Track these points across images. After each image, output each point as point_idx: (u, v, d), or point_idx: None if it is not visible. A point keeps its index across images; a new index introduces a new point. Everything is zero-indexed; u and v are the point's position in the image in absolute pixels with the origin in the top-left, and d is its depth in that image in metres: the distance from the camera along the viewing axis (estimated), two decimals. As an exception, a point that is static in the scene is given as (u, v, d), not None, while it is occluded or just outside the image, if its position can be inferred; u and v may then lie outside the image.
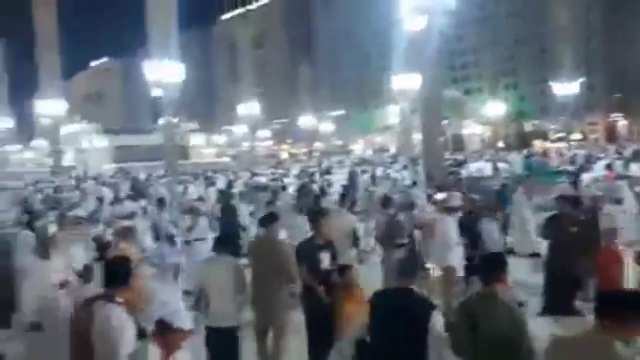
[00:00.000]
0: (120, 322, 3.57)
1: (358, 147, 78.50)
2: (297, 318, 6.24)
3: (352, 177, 21.44)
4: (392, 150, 57.08)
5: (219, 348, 5.52)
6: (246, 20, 66.28)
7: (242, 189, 18.44)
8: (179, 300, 5.35)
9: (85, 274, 5.63)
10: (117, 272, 3.89)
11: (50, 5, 44.96)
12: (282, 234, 7.71)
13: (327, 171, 25.96)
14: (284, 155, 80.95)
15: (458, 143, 57.25)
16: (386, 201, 9.36)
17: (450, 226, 7.99)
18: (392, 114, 59.33)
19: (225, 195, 14.42)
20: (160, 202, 12.73)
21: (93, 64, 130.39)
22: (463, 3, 43.12)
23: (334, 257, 6.05)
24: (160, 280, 5.62)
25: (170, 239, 7.71)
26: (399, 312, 3.83)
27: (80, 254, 6.56)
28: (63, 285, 5.10)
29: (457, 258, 7.80)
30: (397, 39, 36.35)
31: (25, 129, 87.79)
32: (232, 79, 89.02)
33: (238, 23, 68.64)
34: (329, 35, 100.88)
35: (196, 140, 67.34)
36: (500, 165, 23.19)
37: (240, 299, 5.76)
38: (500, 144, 62.03)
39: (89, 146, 55.72)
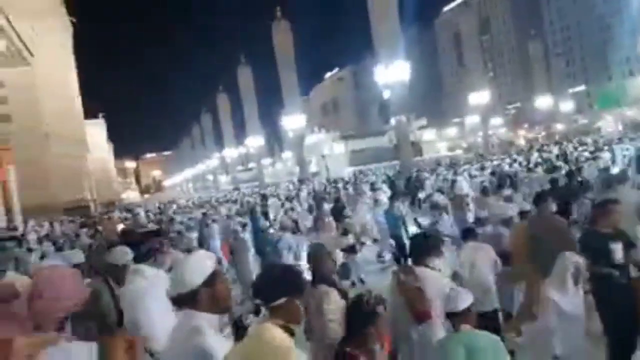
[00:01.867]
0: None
1: (606, 125, 70.04)
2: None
3: (613, 153, 19.45)
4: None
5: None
6: (469, 7, 64.30)
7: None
8: None
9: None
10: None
11: (286, 30, 49.56)
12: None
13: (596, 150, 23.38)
14: (520, 141, 76.34)
15: None
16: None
17: None
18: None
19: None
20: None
21: (327, 75, 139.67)
22: None
23: (627, 248, 5.06)
24: None
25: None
26: None
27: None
28: None
29: None
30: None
31: (275, 144, 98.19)
32: (459, 70, 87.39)
33: (460, 11, 66.91)
34: (560, 5, 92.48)
35: (427, 135, 67.57)
36: None
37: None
38: None
39: (329, 153, 59.73)
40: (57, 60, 50.01)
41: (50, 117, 47.89)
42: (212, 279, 2.49)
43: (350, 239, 8.58)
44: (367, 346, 2.87)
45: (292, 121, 49.89)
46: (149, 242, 4.14)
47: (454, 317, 3.58)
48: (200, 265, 2.52)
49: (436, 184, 20.12)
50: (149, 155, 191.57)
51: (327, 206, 14.57)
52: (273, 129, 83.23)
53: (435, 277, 4.44)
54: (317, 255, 4.35)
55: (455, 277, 5.28)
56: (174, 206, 37.90)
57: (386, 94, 33.49)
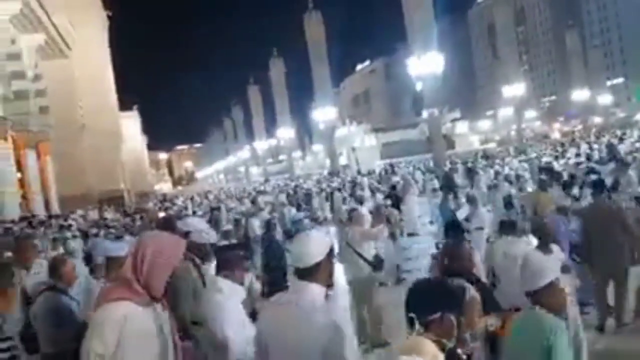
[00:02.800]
0: None
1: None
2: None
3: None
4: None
5: None
6: (503, -2, 63.05)
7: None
8: None
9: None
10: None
11: (318, 22, 49.38)
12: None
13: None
14: (556, 135, 74.81)
15: None
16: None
17: None
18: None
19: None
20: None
21: (358, 67, 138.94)
22: None
23: None
24: None
25: None
26: None
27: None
28: None
29: None
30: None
31: (306, 136, 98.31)
32: (493, 61, 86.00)
33: (495, 2, 65.70)
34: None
35: (460, 128, 66.68)
36: None
37: None
38: None
39: (360, 145, 59.45)
40: (93, 53, 50.90)
41: (86, 109, 48.88)
42: (331, 254, 2.76)
43: (385, 230, 8.47)
44: (458, 336, 2.86)
45: (323, 113, 49.82)
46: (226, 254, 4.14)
47: (529, 297, 3.53)
48: (323, 240, 2.80)
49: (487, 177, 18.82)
50: (180, 147, 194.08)
51: (379, 196, 14.42)
52: (304, 121, 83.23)
53: None
54: (454, 249, 4.42)
55: (565, 269, 5.25)
56: (211, 196, 38.27)
57: (419, 86, 33.09)
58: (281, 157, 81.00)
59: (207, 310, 3.70)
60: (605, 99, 75.29)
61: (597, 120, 72.60)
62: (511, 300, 5.22)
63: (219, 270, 3.94)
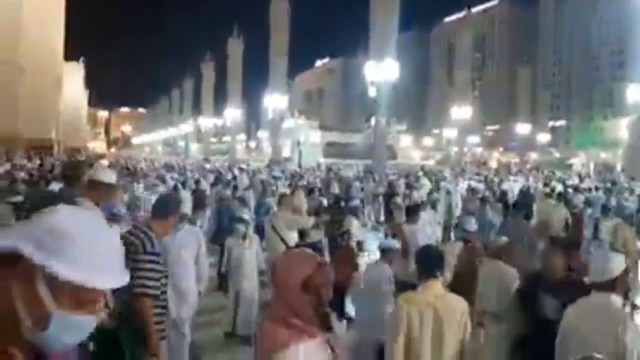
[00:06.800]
0: None
1: (578, 162, 71.56)
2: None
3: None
4: (618, 168, 50.70)
5: None
6: (467, 23, 64.60)
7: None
8: None
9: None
10: None
11: (284, 11, 48.83)
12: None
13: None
14: (493, 163, 77.34)
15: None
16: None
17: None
18: (623, 128, 52.66)
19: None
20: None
21: (318, 63, 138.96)
22: None
23: None
24: None
25: None
26: None
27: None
28: None
29: None
30: (636, 45, 32.50)
31: (252, 122, 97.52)
32: (446, 82, 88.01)
33: (458, 26, 67.27)
34: (555, 40, 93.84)
35: (404, 141, 67.90)
36: None
37: None
38: None
39: (304, 141, 59.43)
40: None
41: (29, 51, 46.54)
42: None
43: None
44: None
45: (275, 100, 49.39)
46: None
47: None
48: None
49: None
50: (122, 110, 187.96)
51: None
52: (254, 107, 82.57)
53: None
54: None
55: None
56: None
57: (372, 92, 33.36)
58: (225, 138, 79.94)
59: None
60: (544, 137, 78.47)
61: (534, 156, 75.56)
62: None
63: None
